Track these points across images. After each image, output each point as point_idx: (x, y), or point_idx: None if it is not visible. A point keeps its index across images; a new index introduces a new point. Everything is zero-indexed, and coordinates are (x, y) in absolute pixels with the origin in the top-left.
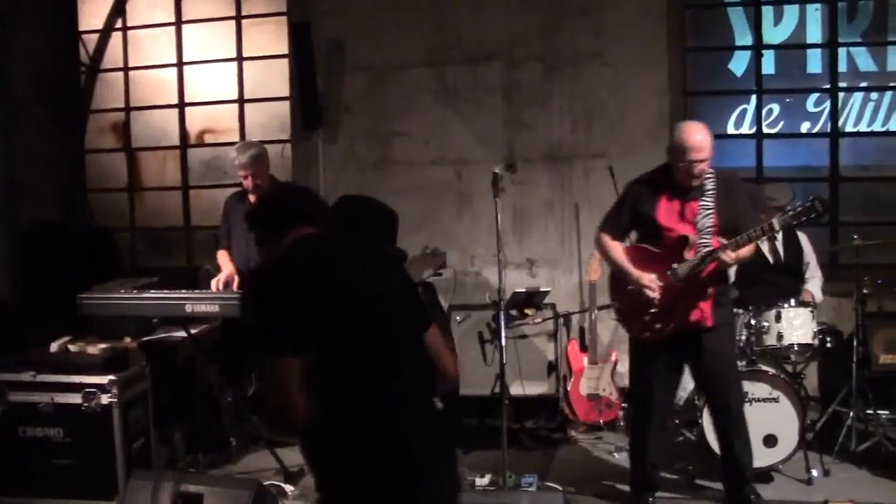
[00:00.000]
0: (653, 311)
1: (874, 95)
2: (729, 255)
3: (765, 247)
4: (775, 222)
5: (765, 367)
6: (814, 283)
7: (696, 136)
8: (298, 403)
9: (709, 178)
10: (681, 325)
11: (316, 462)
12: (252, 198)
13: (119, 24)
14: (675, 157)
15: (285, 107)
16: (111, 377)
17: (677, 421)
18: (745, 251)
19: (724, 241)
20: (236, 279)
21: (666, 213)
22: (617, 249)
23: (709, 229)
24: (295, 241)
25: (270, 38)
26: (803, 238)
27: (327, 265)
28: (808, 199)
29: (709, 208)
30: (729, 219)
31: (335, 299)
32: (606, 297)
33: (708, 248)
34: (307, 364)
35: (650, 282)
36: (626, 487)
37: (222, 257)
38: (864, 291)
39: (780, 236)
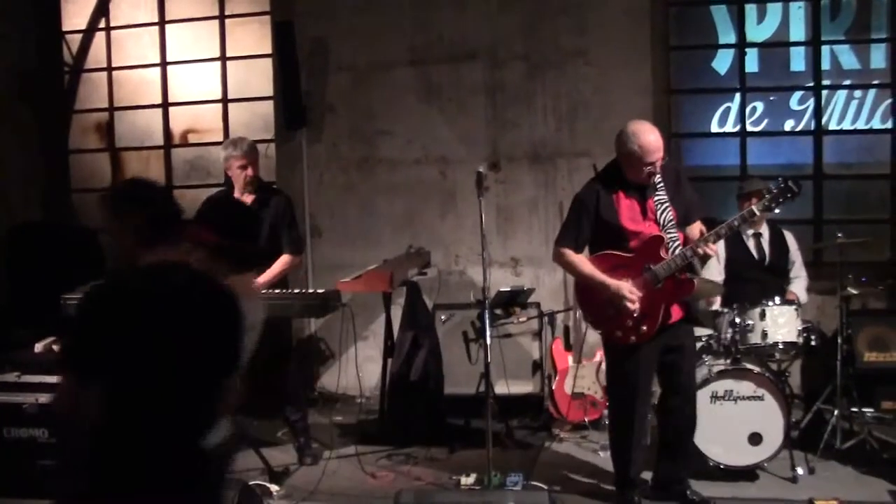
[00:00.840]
0: (634, 316)
1: (857, 93)
2: (711, 249)
3: (750, 243)
4: (755, 208)
5: (749, 366)
6: (798, 284)
7: (655, 135)
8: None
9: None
10: (664, 325)
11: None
12: (238, 194)
13: (102, 24)
14: (638, 160)
15: (269, 106)
16: None
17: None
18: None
19: (688, 234)
20: None
21: (629, 215)
22: (584, 262)
23: (671, 223)
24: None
25: (254, 37)
26: (789, 237)
27: (131, 311)
28: (780, 181)
29: (664, 202)
30: (683, 210)
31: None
32: None
33: (684, 246)
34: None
35: (630, 291)
36: (612, 486)
37: None
38: (848, 289)
39: (766, 234)
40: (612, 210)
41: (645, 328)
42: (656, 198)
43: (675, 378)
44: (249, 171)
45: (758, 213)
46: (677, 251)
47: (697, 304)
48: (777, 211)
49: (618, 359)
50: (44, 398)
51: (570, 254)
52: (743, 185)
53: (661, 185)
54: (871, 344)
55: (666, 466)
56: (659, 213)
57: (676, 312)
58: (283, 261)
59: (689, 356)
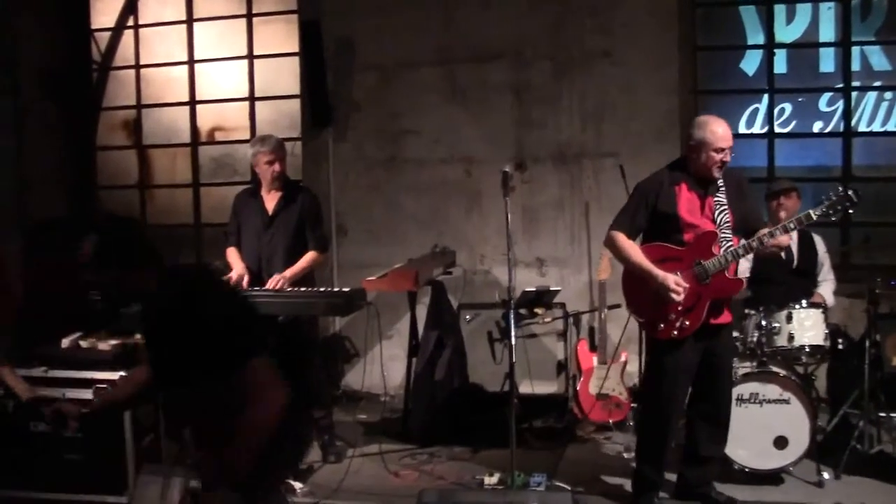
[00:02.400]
0: (678, 309)
1: (888, 95)
2: (783, 239)
3: None
4: (812, 213)
5: (776, 369)
6: (826, 287)
7: (725, 126)
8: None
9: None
10: (708, 323)
11: None
12: (265, 191)
13: (130, 22)
14: (708, 150)
15: (295, 104)
16: (122, 373)
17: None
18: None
19: (743, 238)
20: (247, 277)
21: (688, 209)
22: (635, 249)
23: (727, 224)
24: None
25: (281, 36)
26: (818, 240)
27: None
28: (841, 189)
29: (723, 205)
30: (742, 216)
31: None
32: (616, 296)
33: (760, 234)
34: None
35: (676, 283)
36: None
37: (232, 255)
38: (877, 292)
39: (794, 237)
40: (672, 200)
41: (688, 322)
42: (716, 198)
43: (713, 383)
44: (276, 167)
45: (815, 217)
46: (730, 250)
47: None
48: (834, 219)
49: (659, 356)
50: (70, 393)
51: (622, 238)
52: (772, 185)
53: (724, 188)
54: None
55: (694, 471)
56: (717, 212)
57: (724, 315)
58: (308, 257)
59: (728, 362)
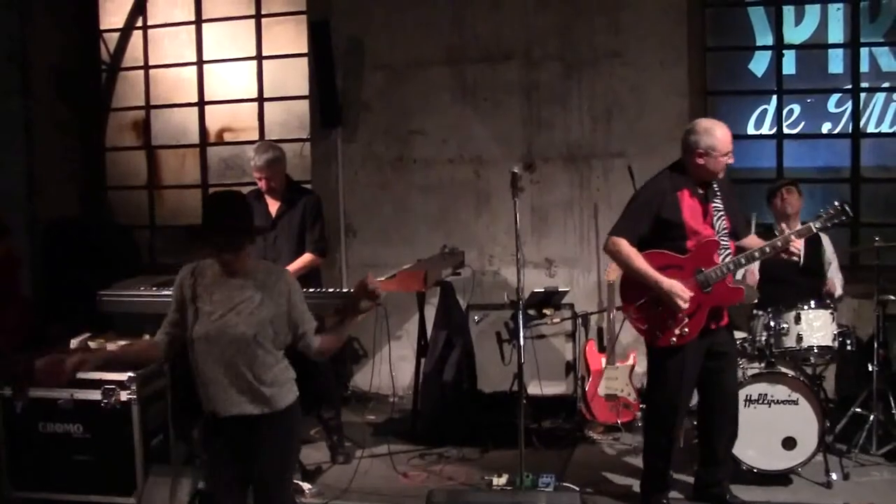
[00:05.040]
0: (679, 317)
1: None
2: (796, 245)
3: None
4: (812, 226)
5: (784, 370)
6: (835, 282)
7: (726, 130)
8: None
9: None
10: (708, 329)
11: None
12: (268, 198)
13: (139, 23)
14: (718, 156)
15: (305, 105)
16: (130, 374)
17: (695, 422)
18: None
19: (746, 245)
20: None
21: (692, 215)
22: (638, 256)
23: (725, 231)
24: None
25: (290, 36)
26: (826, 240)
27: None
28: (837, 203)
29: (720, 210)
30: (735, 221)
31: None
32: None
33: (735, 255)
34: None
35: (682, 290)
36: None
37: None
38: (886, 294)
39: None
40: (676, 208)
41: (687, 330)
42: (714, 204)
43: (720, 383)
44: (264, 184)
45: (814, 230)
46: (728, 258)
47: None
48: (829, 226)
49: (662, 360)
50: (79, 394)
51: (625, 245)
52: (771, 185)
53: (719, 195)
54: None
55: (707, 471)
56: (715, 219)
57: (723, 319)
58: (303, 259)
59: (732, 362)
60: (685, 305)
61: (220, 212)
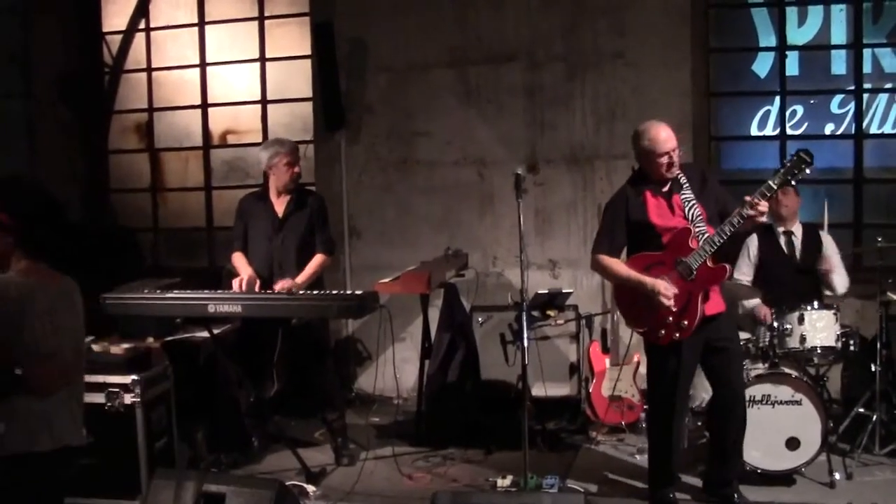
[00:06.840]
0: (673, 311)
1: None
2: (762, 205)
3: (781, 241)
4: (771, 182)
5: (787, 370)
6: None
7: (665, 130)
8: None
9: (678, 172)
10: (703, 318)
11: None
12: (275, 195)
13: (142, 25)
14: (654, 155)
15: (308, 107)
16: (134, 377)
17: (700, 423)
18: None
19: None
20: (258, 282)
21: (658, 213)
22: (619, 264)
23: (699, 218)
24: None
25: (293, 38)
26: (827, 238)
27: None
28: (793, 154)
29: (690, 200)
30: (714, 205)
31: None
32: None
33: (739, 208)
34: None
35: (665, 288)
36: (647, 487)
37: (238, 259)
38: (888, 294)
39: (798, 233)
40: (642, 209)
41: (686, 322)
42: (682, 195)
43: (725, 380)
44: (296, 169)
45: (775, 186)
46: (706, 238)
47: (737, 308)
48: (794, 183)
49: (660, 358)
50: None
51: (604, 258)
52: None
53: (687, 184)
54: None
55: (716, 469)
56: (687, 209)
57: (716, 304)
58: (316, 260)
59: (736, 358)
60: (669, 302)
61: None
